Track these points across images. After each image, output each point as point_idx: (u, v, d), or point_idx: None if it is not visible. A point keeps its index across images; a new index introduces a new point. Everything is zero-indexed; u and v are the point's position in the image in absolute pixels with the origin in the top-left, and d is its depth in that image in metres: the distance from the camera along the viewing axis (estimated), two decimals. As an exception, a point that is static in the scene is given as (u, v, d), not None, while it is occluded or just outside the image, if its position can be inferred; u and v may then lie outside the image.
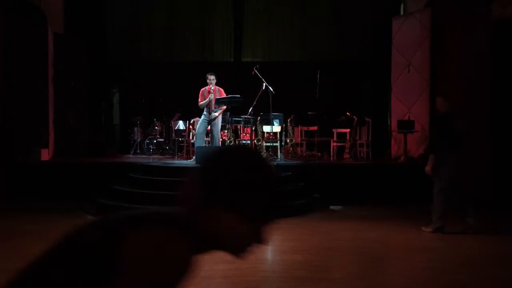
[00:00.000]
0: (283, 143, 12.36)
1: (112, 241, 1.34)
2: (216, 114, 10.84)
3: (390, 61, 12.45)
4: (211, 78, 10.79)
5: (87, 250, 1.37)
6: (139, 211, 1.47)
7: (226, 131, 11.81)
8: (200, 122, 10.96)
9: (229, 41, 15.31)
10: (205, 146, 10.91)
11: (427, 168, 7.51)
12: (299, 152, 13.16)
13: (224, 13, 15.31)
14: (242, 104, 11.31)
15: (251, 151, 1.47)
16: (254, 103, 11.36)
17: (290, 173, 10.42)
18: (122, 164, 11.48)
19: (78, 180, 10.64)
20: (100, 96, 14.14)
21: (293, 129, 13.09)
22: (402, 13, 13.23)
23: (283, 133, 12.42)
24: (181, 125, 13.29)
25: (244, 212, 1.39)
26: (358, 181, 10.54)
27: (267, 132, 12.19)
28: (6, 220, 8.53)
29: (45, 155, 11.64)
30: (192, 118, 12.51)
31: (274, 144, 12.13)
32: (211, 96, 10.75)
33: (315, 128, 12.86)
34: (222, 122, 11.24)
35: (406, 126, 11.42)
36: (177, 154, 12.74)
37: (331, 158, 12.51)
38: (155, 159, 12.11)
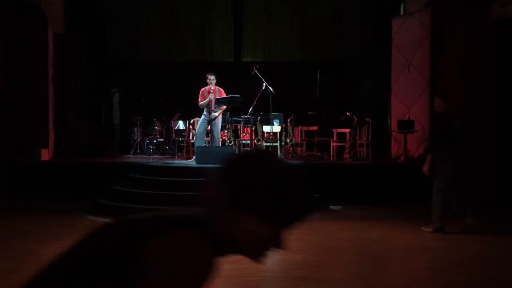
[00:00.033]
0: (283, 143, 12.37)
1: (136, 241, 1.34)
2: (216, 114, 10.84)
3: (390, 61, 12.46)
4: (211, 78, 10.79)
5: (110, 249, 1.37)
6: (160, 212, 1.47)
7: (226, 131, 11.82)
8: (200, 122, 10.97)
9: (229, 41, 15.31)
10: (205, 146, 10.92)
11: (425, 168, 7.53)
12: (299, 152, 13.16)
13: (224, 13, 15.31)
14: (242, 104, 11.31)
15: (273, 155, 1.46)
16: (254, 103, 11.36)
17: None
18: (122, 164, 11.48)
19: (78, 180, 10.64)
20: (100, 96, 14.13)
21: (293, 129, 13.09)
22: (402, 13, 13.22)
23: (283, 133, 12.43)
24: (181, 125, 13.29)
25: (264, 216, 1.38)
26: (358, 181, 10.54)
27: (267, 132, 12.19)
28: (6, 220, 8.53)
29: (45, 155, 11.64)
30: (192, 118, 12.51)
31: (274, 144, 12.14)
32: (211, 96, 10.75)
33: (315, 128, 12.86)
34: (222, 122, 11.24)
35: (406, 126, 11.42)
36: (177, 154, 12.74)
37: (331, 158, 12.51)
38: (155, 159, 12.12)
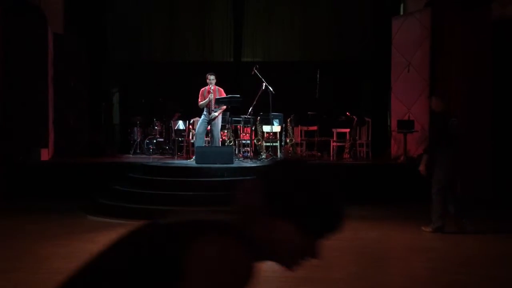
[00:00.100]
0: (283, 143, 12.36)
1: (177, 246, 1.33)
2: (216, 114, 10.84)
3: (390, 61, 12.45)
4: (211, 78, 10.79)
5: (150, 253, 1.36)
6: (197, 216, 1.47)
7: (226, 131, 11.82)
8: (200, 122, 10.97)
9: (229, 41, 15.31)
10: (205, 146, 10.92)
11: (421, 168, 7.55)
12: (299, 152, 13.15)
13: (224, 13, 15.31)
14: (242, 104, 11.32)
15: (314, 165, 1.45)
16: (254, 103, 11.36)
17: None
18: (122, 164, 11.48)
19: (78, 180, 10.63)
20: (100, 96, 14.14)
21: (293, 129, 13.09)
22: (402, 13, 13.22)
23: (283, 133, 12.42)
24: (181, 125, 13.29)
25: (300, 224, 1.38)
26: (358, 181, 10.53)
27: (267, 132, 12.19)
28: (6, 220, 8.53)
29: (45, 155, 11.64)
30: (192, 118, 12.51)
31: (274, 144, 12.14)
32: (211, 96, 10.75)
33: (315, 128, 12.87)
34: (222, 122, 11.25)
35: (406, 126, 11.42)
36: (177, 154, 12.74)
37: (331, 158, 12.50)
38: (155, 159, 12.12)
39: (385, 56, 12.82)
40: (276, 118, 11.92)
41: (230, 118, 11.57)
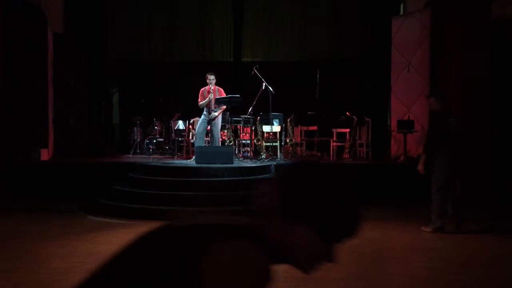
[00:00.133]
0: (282, 143, 12.36)
1: (195, 248, 1.33)
2: (216, 114, 10.84)
3: (390, 61, 12.45)
4: (211, 78, 10.79)
5: (168, 253, 1.36)
6: (214, 218, 1.47)
7: (226, 131, 11.82)
8: (200, 122, 10.97)
9: (229, 41, 15.31)
10: (205, 146, 10.92)
11: (419, 167, 7.56)
12: (298, 152, 13.15)
13: (224, 13, 15.31)
14: (242, 104, 11.32)
15: (334, 170, 1.45)
16: (254, 103, 11.36)
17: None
18: (122, 164, 11.47)
19: (78, 180, 10.63)
20: (99, 96, 14.13)
21: (292, 129, 13.09)
22: (401, 13, 13.23)
23: (283, 133, 12.42)
24: (180, 125, 13.28)
25: (317, 228, 1.37)
26: (357, 181, 10.51)
27: (267, 132, 12.19)
28: (6, 220, 8.53)
29: (45, 155, 11.64)
30: (192, 118, 12.51)
31: (274, 144, 12.13)
32: (211, 96, 10.75)
33: (314, 128, 12.87)
34: (222, 122, 11.24)
35: (405, 126, 11.42)
36: (177, 154, 12.73)
37: (331, 158, 12.50)
38: (154, 159, 12.11)
39: (385, 56, 12.82)
40: (276, 118, 11.92)
41: (230, 118, 11.57)
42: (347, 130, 12.78)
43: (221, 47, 15.34)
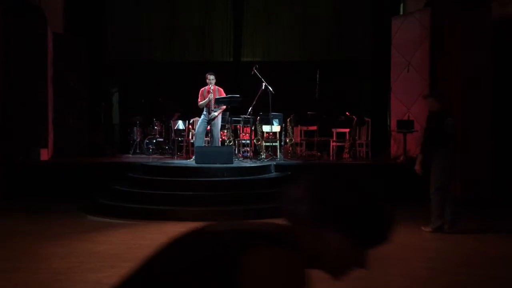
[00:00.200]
0: (282, 143, 12.36)
1: (231, 255, 1.31)
2: (216, 113, 10.84)
3: (389, 61, 12.44)
4: (211, 78, 10.79)
5: (203, 261, 1.34)
6: (248, 224, 1.45)
7: (225, 131, 11.81)
8: (199, 122, 10.97)
9: (229, 41, 15.31)
10: (204, 146, 10.92)
11: (417, 167, 7.58)
12: (298, 152, 13.16)
13: (224, 13, 15.31)
14: (242, 104, 11.32)
15: (366, 178, 1.44)
16: (254, 103, 11.36)
17: (289, 173, 10.42)
18: (122, 164, 11.48)
19: (78, 180, 10.63)
20: (99, 96, 14.13)
21: (292, 128, 13.09)
22: (401, 13, 13.23)
23: (283, 132, 12.42)
24: (180, 125, 13.28)
25: (351, 234, 1.37)
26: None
27: (267, 132, 12.19)
28: (6, 220, 8.52)
29: (45, 155, 11.63)
30: (192, 118, 12.51)
31: (274, 144, 12.14)
32: (211, 96, 10.76)
33: (314, 128, 12.86)
34: (221, 122, 11.25)
35: (405, 126, 11.42)
36: (177, 154, 12.73)
37: (331, 158, 12.50)
38: (154, 159, 12.11)
39: (384, 56, 12.82)
40: (275, 118, 11.92)
41: (229, 118, 11.57)
42: (347, 130, 12.78)
43: (221, 47, 15.34)
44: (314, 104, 12.31)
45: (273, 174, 10.41)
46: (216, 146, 10.83)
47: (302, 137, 13.47)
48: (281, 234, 1.39)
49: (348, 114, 12.70)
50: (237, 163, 10.67)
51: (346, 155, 12.50)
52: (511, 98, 10.58)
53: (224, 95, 10.96)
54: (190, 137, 12.55)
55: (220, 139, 11.38)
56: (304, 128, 13.47)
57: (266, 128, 12.14)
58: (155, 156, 13.06)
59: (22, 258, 6.09)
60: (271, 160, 11.38)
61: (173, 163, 11.03)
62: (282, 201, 1.45)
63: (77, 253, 6.29)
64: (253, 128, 12.14)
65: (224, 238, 1.38)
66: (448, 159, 7.47)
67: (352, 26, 14.85)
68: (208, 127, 10.95)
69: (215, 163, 9.94)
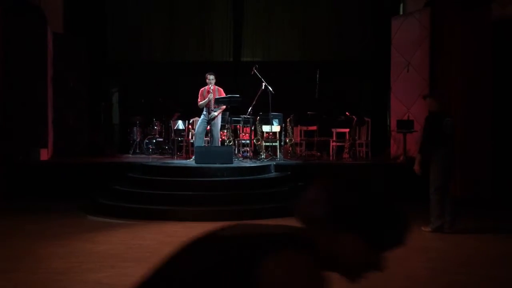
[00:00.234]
0: (282, 143, 12.36)
1: (250, 260, 1.30)
2: (216, 113, 10.84)
3: (389, 61, 12.44)
4: (211, 78, 10.79)
5: (220, 266, 1.33)
6: (262, 228, 1.44)
7: (225, 131, 11.81)
8: (199, 122, 10.97)
9: (229, 41, 15.31)
10: (204, 146, 10.92)
11: (415, 167, 7.59)
12: (298, 151, 13.16)
13: (223, 13, 15.31)
14: (242, 104, 11.32)
15: (383, 179, 1.43)
16: (254, 102, 11.36)
17: (289, 172, 10.42)
18: (122, 164, 11.47)
19: (78, 180, 10.62)
20: (99, 95, 14.13)
21: (292, 128, 13.09)
22: (401, 13, 13.23)
23: (283, 132, 12.42)
24: (180, 124, 13.28)
25: (366, 237, 1.36)
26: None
27: (267, 132, 12.19)
28: (6, 220, 8.52)
29: (44, 155, 11.63)
30: (192, 118, 12.51)
31: (274, 143, 12.13)
32: (211, 96, 10.76)
33: (314, 127, 12.86)
34: (221, 122, 11.25)
35: (405, 126, 11.41)
36: (177, 154, 12.73)
37: (331, 157, 12.50)
38: (154, 159, 12.11)
39: (384, 56, 12.82)
40: (275, 118, 11.92)
41: (229, 118, 11.57)
42: (347, 130, 12.78)
43: (221, 47, 15.34)
44: (314, 104, 12.31)
45: (273, 174, 10.41)
46: (216, 146, 10.83)
47: (302, 137, 13.47)
48: (296, 236, 1.38)
49: (348, 114, 12.69)
50: (237, 163, 10.67)
51: (346, 155, 12.50)
52: (511, 98, 10.57)
53: (224, 95, 10.96)
54: (190, 137, 12.55)
55: (220, 139, 11.37)
56: (304, 128, 13.47)
57: (266, 128, 12.14)
58: (155, 156, 13.06)
59: (22, 258, 6.09)
60: (271, 160, 11.38)
61: (173, 163, 11.03)
62: (296, 202, 1.43)
63: (77, 253, 6.29)
64: (253, 128, 12.14)
65: (241, 243, 1.36)
66: (447, 159, 7.48)
67: (352, 26, 14.85)
68: (208, 127, 10.95)
69: (215, 163, 9.93)
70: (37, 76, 11.63)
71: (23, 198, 10.23)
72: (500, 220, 8.82)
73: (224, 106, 11.08)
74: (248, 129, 12.18)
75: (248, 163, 10.74)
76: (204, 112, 10.89)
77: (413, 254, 6.64)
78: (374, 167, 11.25)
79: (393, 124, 12.20)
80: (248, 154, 11.93)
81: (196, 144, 10.73)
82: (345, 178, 1.42)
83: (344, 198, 1.37)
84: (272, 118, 11.72)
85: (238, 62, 15.16)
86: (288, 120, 12.83)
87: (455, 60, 10.66)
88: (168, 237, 7.21)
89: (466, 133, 10.16)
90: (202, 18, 15.28)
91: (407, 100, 11.91)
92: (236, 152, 11.68)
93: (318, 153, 12.64)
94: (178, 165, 10.53)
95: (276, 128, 12.04)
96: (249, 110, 11.53)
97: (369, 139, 12.70)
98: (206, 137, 11.26)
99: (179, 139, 13.13)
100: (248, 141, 12.27)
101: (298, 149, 13.28)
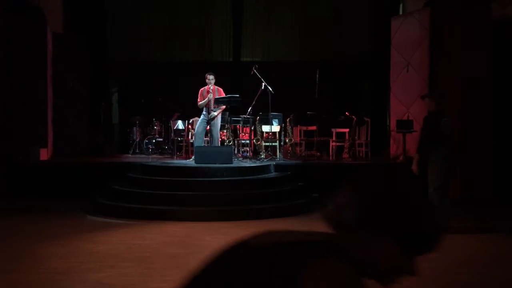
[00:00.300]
0: (282, 143, 12.36)
1: (289, 269, 1.28)
2: (215, 113, 10.84)
3: (389, 61, 12.43)
4: (210, 78, 10.79)
5: (262, 280, 1.30)
6: (293, 235, 1.42)
7: (225, 131, 11.82)
8: (199, 121, 10.97)
9: (229, 40, 15.31)
10: (204, 146, 10.92)
11: (413, 167, 7.61)
12: (298, 151, 13.15)
13: (223, 13, 15.31)
14: (241, 104, 11.32)
15: (408, 178, 1.39)
16: (253, 102, 11.36)
17: (289, 172, 10.42)
18: (121, 164, 11.47)
19: (78, 180, 10.62)
20: (99, 95, 14.12)
21: (292, 128, 13.09)
22: (401, 13, 13.23)
23: (282, 132, 12.42)
24: (180, 124, 13.28)
25: (399, 241, 1.33)
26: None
27: (266, 132, 12.18)
28: (6, 220, 8.51)
29: (44, 154, 11.62)
30: (191, 118, 12.51)
31: (273, 143, 12.13)
32: (210, 96, 10.75)
33: (314, 127, 12.86)
34: (221, 122, 11.24)
35: (405, 126, 11.41)
36: (176, 154, 12.73)
37: (330, 157, 12.50)
38: (154, 159, 12.10)
39: (384, 56, 12.81)
40: (275, 118, 11.92)
41: (229, 118, 11.57)
42: (347, 130, 12.78)
43: (220, 47, 15.34)
44: (314, 104, 12.31)
45: (273, 174, 10.41)
46: (215, 146, 10.82)
47: (302, 137, 13.47)
48: (329, 243, 1.35)
49: (348, 114, 12.69)
50: (237, 163, 10.67)
51: (345, 155, 12.50)
52: (511, 98, 10.57)
53: (223, 95, 10.96)
54: (189, 137, 12.55)
55: (220, 139, 11.37)
56: (304, 128, 13.47)
57: (265, 128, 12.14)
58: (154, 156, 13.06)
59: (22, 258, 6.08)
60: (270, 160, 11.38)
61: (172, 163, 11.03)
62: (326, 208, 1.41)
63: (77, 253, 6.29)
64: (252, 128, 12.14)
65: (275, 254, 1.33)
66: (446, 159, 7.49)
67: (352, 26, 14.86)
68: (208, 127, 10.95)
69: (215, 163, 9.93)
70: (37, 76, 11.62)
71: (23, 198, 10.22)
72: (501, 219, 8.81)
73: (224, 106, 11.08)
74: (247, 129, 12.18)
75: (247, 163, 10.74)
76: (204, 112, 10.89)
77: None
78: (372, 167, 11.24)
79: (393, 124, 12.19)
80: (248, 154, 11.93)
81: (196, 144, 10.73)
82: (375, 181, 1.39)
83: (376, 201, 1.33)
84: (272, 118, 11.72)
85: (238, 62, 15.16)
86: (287, 120, 12.82)
87: (455, 60, 10.65)
88: (167, 237, 7.21)
89: (466, 133, 10.15)
90: (202, 18, 15.28)
91: (406, 100, 11.91)
92: (236, 152, 11.67)
93: (318, 153, 12.64)
94: (178, 165, 10.53)
95: (275, 128, 12.04)
96: (248, 110, 11.52)
97: (368, 139, 12.70)
98: (206, 137, 11.26)
99: (179, 139, 13.13)
100: (247, 141, 12.27)
101: (297, 149, 13.28)
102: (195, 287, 1.40)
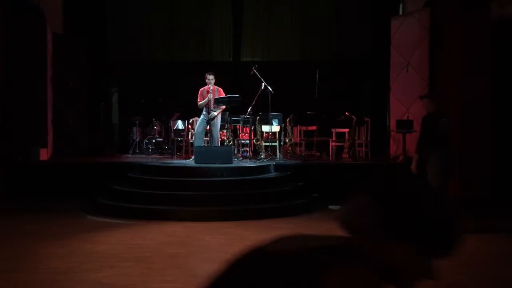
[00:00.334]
0: (282, 143, 12.36)
1: (312, 280, 1.26)
2: (215, 113, 10.84)
3: (389, 61, 12.43)
4: (210, 78, 10.79)
5: (279, 281, 1.29)
6: (310, 240, 1.40)
7: (225, 131, 11.82)
8: (199, 121, 10.97)
9: (229, 40, 15.31)
10: (204, 146, 10.92)
11: (412, 167, 7.64)
12: (298, 151, 13.15)
13: (223, 12, 15.31)
14: (241, 104, 11.32)
15: (426, 182, 1.38)
16: (253, 102, 11.36)
17: (289, 172, 10.42)
18: (121, 164, 11.47)
19: (78, 180, 10.62)
20: (99, 95, 14.12)
21: (292, 128, 13.09)
22: (401, 13, 13.22)
23: (282, 132, 12.42)
24: (180, 124, 13.28)
25: (417, 244, 1.31)
26: (357, 181, 10.50)
27: (266, 132, 12.19)
28: (6, 220, 8.51)
29: (44, 154, 11.62)
30: (191, 118, 12.51)
31: (273, 143, 12.13)
32: (210, 96, 10.76)
33: (314, 127, 12.86)
34: (221, 122, 11.25)
35: (404, 126, 11.41)
36: (176, 154, 12.73)
37: (330, 157, 12.50)
38: (154, 159, 12.11)
39: (384, 56, 12.81)
40: (275, 118, 11.92)
41: (229, 118, 11.57)
42: (346, 130, 12.78)
43: (220, 47, 15.34)
44: (314, 104, 12.31)
45: (273, 174, 10.41)
46: (215, 146, 10.82)
47: (302, 137, 13.47)
48: (348, 248, 1.34)
49: (348, 114, 12.69)
50: (237, 163, 10.67)
51: (345, 155, 12.50)
52: (511, 98, 10.57)
53: (223, 95, 10.96)
54: (189, 137, 12.55)
55: (220, 139, 11.38)
56: (304, 128, 13.47)
57: (265, 128, 12.14)
58: (154, 156, 13.06)
59: (22, 258, 6.08)
60: (270, 160, 11.38)
61: (172, 163, 11.03)
62: (343, 212, 1.39)
63: (77, 253, 6.29)
64: (252, 128, 12.14)
65: (296, 261, 1.31)
66: (445, 159, 7.51)
67: (352, 26, 14.86)
68: (208, 127, 10.95)
69: (215, 163, 9.93)
70: (37, 76, 11.62)
71: (23, 198, 10.22)
72: (501, 219, 8.81)
73: (224, 106, 11.08)
74: (247, 129, 12.18)
75: (247, 163, 10.74)
76: (204, 112, 10.89)
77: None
78: (372, 167, 11.25)
79: (393, 124, 12.19)
80: (248, 154, 11.93)
81: (195, 144, 10.73)
82: (392, 184, 1.37)
83: (393, 205, 1.32)
84: (272, 118, 11.72)
85: (238, 62, 15.16)
86: (287, 120, 12.83)
87: (455, 60, 10.65)
88: (167, 237, 7.21)
89: (466, 133, 10.15)
90: (202, 18, 15.28)
91: (406, 100, 11.91)
92: (235, 152, 11.68)
93: (318, 153, 12.64)
94: (178, 165, 10.53)
95: (275, 128, 12.04)
96: (248, 110, 11.53)
97: (368, 139, 12.70)
98: (205, 137, 11.26)
99: (179, 139, 13.13)
100: (247, 141, 12.27)
101: (297, 149, 13.28)
102: None
